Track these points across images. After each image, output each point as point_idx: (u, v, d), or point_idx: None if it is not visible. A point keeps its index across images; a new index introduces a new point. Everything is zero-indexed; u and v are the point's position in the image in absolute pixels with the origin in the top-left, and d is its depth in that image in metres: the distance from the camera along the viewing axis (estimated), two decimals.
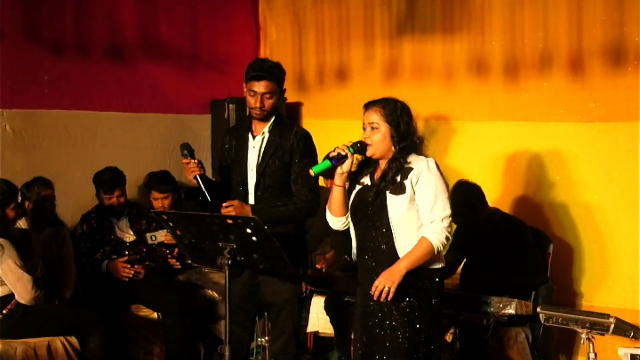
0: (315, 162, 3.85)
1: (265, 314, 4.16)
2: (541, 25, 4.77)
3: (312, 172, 3.32)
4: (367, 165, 3.43)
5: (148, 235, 4.95)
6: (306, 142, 3.83)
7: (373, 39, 5.70)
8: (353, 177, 3.44)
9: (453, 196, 4.46)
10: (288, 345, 3.88)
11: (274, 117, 3.82)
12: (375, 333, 3.31)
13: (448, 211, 3.27)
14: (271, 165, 3.76)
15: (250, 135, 3.85)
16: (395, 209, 3.27)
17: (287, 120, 4.05)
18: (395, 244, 3.27)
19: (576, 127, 4.66)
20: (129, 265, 4.78)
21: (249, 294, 3.85)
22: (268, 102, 3.72)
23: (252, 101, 3.73)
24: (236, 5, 6.38)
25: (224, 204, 3.69)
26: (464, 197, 4.43)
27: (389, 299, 3.19)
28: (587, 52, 4.57)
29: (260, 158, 3.78)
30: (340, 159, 3.30)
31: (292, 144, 3.77)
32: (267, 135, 3.80)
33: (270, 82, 3.71)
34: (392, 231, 3.27)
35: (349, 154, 3.29)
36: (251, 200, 3.79)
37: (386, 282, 3.18)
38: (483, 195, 4.51)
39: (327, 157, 3.34)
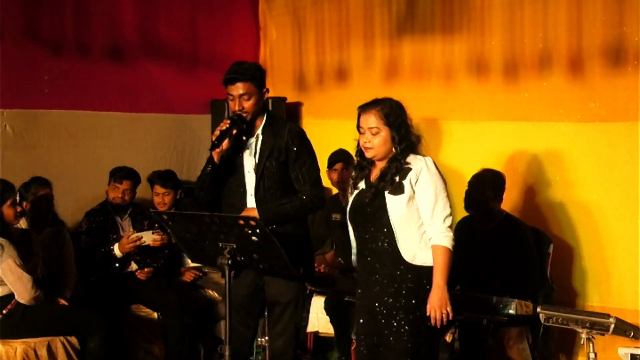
0: (314, 158, 3.84)
1: (266, 313, 4.14)
2: (541, 25, 4.76)
3: None
4: (362, 169, 3.43)
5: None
6: (301, 140, 3.80)
7: (373, 39, 5.70)
8: (352, 184, 3.45)
9: (474, 181, 4.48)
10: (289, 345, 3.88)
11: (265, 118, 3.79)
12: (383, 333, 3.30)
13: (448, 210, 3.28)
14: (268, 166, 3.74)
15: (243, 138, 3.81)
16: (395, 209, 3.27)
17: (279, 118, 4.00)
18: (398, 243, 3.27)
19: (576, 127, 4.66)
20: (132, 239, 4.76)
21: (254, 294, 3.83)
22: (247, 104, 3.68)
23: (232, 105, 3.72)
24: (236, 5, 6.38)
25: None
26: (483, 184, 4.42)
27: (451, 319, 3.23)
28: (587, 52, 4.57)
29: (257, 160, 3.76)
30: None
31: (286, 142, 3.75)
32: (260, 136, 3.78)
33: (245, 83, 3.66)
34: (394, 231, 3.27)
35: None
36: (251, 202, 3.77)
37: (440, 309, 3.21)
38: (502, 191, 4.48)
39: None
